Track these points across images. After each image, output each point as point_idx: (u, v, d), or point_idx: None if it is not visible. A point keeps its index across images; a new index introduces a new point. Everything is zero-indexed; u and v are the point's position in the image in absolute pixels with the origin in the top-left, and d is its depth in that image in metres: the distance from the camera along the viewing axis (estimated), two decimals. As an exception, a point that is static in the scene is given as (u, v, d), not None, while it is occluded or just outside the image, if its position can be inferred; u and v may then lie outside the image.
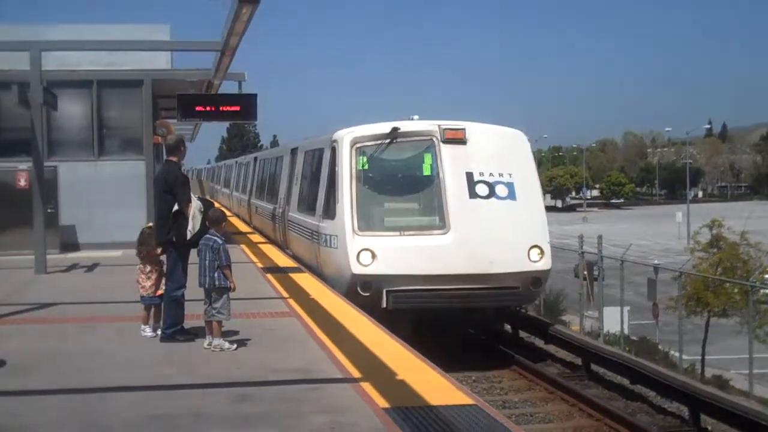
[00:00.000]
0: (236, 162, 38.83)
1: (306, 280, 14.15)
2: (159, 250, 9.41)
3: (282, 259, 17.63)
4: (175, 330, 9.24)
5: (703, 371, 19.81)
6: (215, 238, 8.76)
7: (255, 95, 18.42)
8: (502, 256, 13.89)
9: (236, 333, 9.28)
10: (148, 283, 9.52)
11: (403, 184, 14.78)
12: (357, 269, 13.62)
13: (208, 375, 7.74)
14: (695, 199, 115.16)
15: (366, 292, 13.51)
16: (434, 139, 14.43)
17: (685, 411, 12.62)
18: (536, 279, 14.29)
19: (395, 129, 14.44)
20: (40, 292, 13.18)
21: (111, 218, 18.70)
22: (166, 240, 9.17)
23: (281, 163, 21.86)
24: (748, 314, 18.12)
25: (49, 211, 17.48)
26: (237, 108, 18.51)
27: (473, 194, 14.17)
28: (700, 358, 20.78)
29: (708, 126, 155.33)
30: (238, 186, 34.38)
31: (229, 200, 38.38)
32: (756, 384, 15.96)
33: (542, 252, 14.18)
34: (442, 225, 13.96)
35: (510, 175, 14.49)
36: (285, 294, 12.60)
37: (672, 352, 19.03)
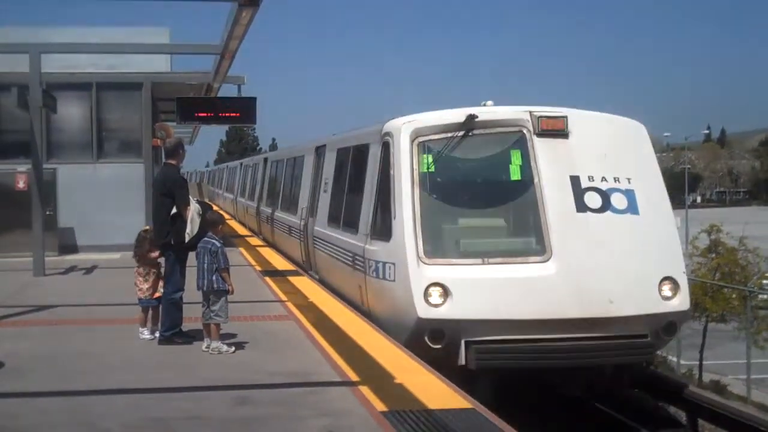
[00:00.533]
0: (241, 164, 35.82)
1: (304, 284, 14.13)
2: (156, 253, 9.45)
3: (280, 262, 17.63)
4: (173, 332, 9.25)
5: (700, 376, 19.82)
6: (214, 241, 8.78)
7: (254, 99, 18.50)
8: (625, 292, 10.20)
9: (234, 336, 9.28)
10: (146, 286, 9.54)
11: (483, 192, 11.24)
12: (424, 311, 9.92)
13: (206, 378, 7.74)
14: (693, 205, 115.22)
15: (437, 344, 9.96)
16: (525, 130, 10.86)
17: (682, 416, 12.63)
18: (670, 324, 10.60)
19: (472, 117, 10.78)
20: (38, 295, 13.17)
21: (109, 221, 18.71)
22: (165, 243, 9.19)
23: (302, 164, 18.43)
24: (746, 319, 18.15)
25: (47, 213, 17.51)
26: (236, 111, 18.58)
27: (581, 206, 10.61)
28: (697, 363, 20.80)
29: (707, 131, 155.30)
30: (244, 191, 31.02)
31: (233, 206, 35.40)
32: (753, 389, 15.97)
33: (677, 286, 10.47)
34: (541, 249, 10.31)
35: (629, 179, 10.96)
36: (283, 297, 12.60)
37: (670, 357, 19.04)
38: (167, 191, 9.17)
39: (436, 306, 9.97)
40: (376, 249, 11.04)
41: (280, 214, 20.44)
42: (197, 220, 9.03)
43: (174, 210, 9.09)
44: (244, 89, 19.20)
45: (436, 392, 7.14)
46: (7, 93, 16.04)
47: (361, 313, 11.25)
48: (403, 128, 10.98)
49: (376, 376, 7.70)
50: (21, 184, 18.25)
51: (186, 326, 9.43)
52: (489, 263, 10.23)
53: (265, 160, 26.57)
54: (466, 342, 10.00)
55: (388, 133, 11.35)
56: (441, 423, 6.27)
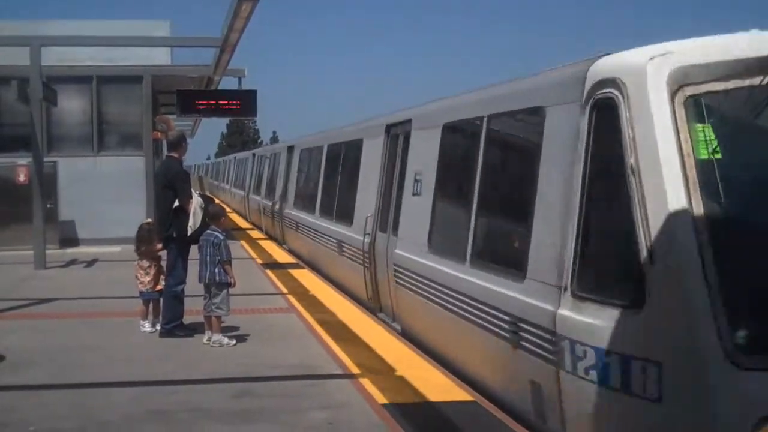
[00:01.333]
0: (254, 154, 30.74)
1: (306, 277, 14.13)
2: (159, 246, 9.45)
3: (282, 255, 17.63)
4: (174, 325, 9.26)
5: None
6: (216, 233, 8.79)
7: (255, 91, 18.56)
8: None
9: (236, 329, 9.29)
10: (147, 279, 9.54)
11: None
12: None
13: (207, 370, 7.75)
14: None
15: None
16: None
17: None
18: None
19: None
20: (39, 288, 13.17)
21: (110, 214, 18.74)
22: (167, 236, 9.20)
23: (356, 152, 13.09)
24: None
25: (48, 206, 17.52)
26: (237, 104, 18.61)
27: None
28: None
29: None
30: (259, 187, 26.13)
31: (244, 205, 30.89)
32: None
33: None
34: None
35: None
36: (284, 290, 12.60)
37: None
38: (169, 184, 9.18)
39: None
40: (598, 324, 5.16)
41: (320, 223, 15.22)
42: (199, 213, 9.04)
43: (176, 203, 9.11)
44: (244, 82, 19.24)
45: (437, 385, 7.13)
46: (7, 86, 16.02)
47: None
48: (650, 68, 5.15)
49: (377, 368, 7.70)
50: (22, 178, 18.28)
51: (187, 319, 9.44)
52: None
53: (290, 148, 20.82)
54: None
55: (609, 81, 5.44)
56: (442, 415, 6.27)
